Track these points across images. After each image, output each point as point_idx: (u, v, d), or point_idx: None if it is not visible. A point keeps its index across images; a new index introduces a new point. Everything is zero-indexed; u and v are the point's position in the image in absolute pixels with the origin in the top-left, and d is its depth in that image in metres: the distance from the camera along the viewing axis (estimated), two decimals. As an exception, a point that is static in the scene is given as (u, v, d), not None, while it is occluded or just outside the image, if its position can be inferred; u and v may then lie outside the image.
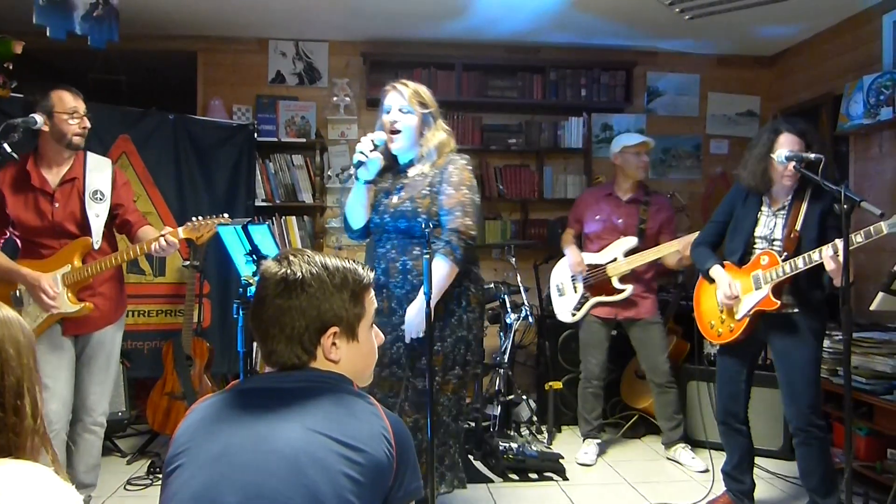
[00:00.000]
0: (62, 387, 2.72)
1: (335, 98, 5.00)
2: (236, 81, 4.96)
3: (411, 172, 2.61)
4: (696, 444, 4.04)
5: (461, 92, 4.87)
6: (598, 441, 3.97)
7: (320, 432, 1.15)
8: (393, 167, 2.66)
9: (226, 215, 2.71)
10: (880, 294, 2.70)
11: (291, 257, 1.31)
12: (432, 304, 2.29)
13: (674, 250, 3.73)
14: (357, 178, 2.53)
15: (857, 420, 3.40)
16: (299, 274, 1.27)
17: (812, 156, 2.68)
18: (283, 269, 1.28)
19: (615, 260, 3.84)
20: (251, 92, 4.96)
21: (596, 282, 3.88)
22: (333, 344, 1.29)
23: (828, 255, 2.51)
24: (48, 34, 3.27)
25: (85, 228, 2.78)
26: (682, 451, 3.85)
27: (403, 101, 2.55)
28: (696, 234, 3.63)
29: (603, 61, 5.08)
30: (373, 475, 1.16)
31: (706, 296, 3.07)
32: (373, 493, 1.16)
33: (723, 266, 2.96)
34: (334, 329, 1.29)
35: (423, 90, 2.60)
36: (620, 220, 3.90)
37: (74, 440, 2.81)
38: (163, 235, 2.64)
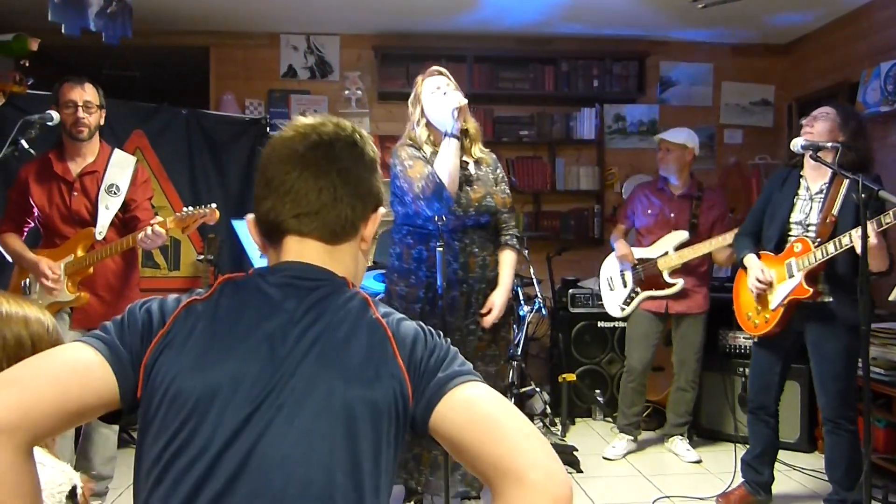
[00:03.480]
0: None
1: (347, 91, 5.00)
2: (248, 76, 4.97)
3: (469, 161, 2.64)
4: (712, 436, 4.03)
5: (472, 84, 4.85)
6: (631, 438, 3.89)
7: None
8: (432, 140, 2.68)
9: (213, 205, 2.74)
10: (899, 285, 2.67)
11: (331, 117, 1.16)
12: (508, 294, 2.61)
13: (727, 244, 3.57)
14: (452, 134, 2.51)
15: (875, 412, 3.37)
16: (364, 133, 1.14)
17: (829, 143, 2.64)
18: (343, 124, 1.12)
19: (666, 254, 3.78)
20: (263, 86, 4.97)
21: (646, 276, 3.82)
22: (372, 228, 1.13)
23: (859, 238, 2.38)
24: (63, 31, 3.30)
25: (94, 219, 2.85)
26: (678, 442, 3.85)
27: (449, 80, 2.63)
28: None
29: (615, 51, 5.05)
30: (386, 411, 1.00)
31: (744, 287, 3.02)
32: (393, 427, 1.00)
33: (758, 255, 2.93)
34: (381, 209, 1.14)
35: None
36: (673, 214, 3.84)
37: (89, 434, 2.85)
38: (150, 225, 2.67)
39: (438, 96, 2.58)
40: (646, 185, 4.07)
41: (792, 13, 4.55)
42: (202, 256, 4.05)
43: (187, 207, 2.75)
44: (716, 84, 5.24)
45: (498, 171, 2.75)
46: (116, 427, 2.94)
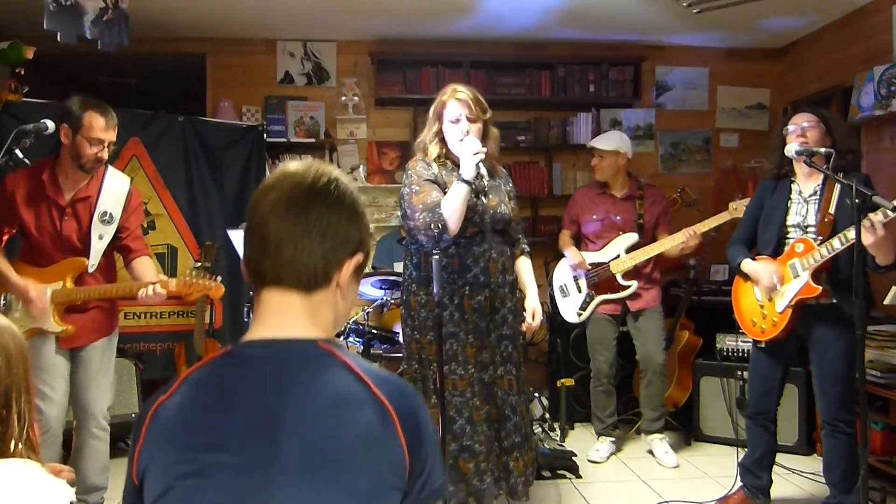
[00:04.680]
0: (60, 394, 2.73)
1: (344, 98, 5.01)
2: (245, 82, 4.98)
3: (485, 174, 2.62)
4: (709, 440, 4.04)
5: (469, 89, 4.86)
6: (612, 439, 3.96)
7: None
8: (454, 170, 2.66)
9: (218, 279, 2.73)
10: (894, 288, 2.69)
11: (316, 163, 1.13)
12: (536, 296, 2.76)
13: (678, 243, 3.70)
14: (465, 180, 2.48)
15: (872, 414, 3.38)
16: (343, 181, 1.11)
17: (822, 150, 2.67)
18: (321, 172, 1.10)
19: (618, 257, 3.83)
20: (260, 93, 4.97)
21: (600, 280, 3.87)
22: (351, 273, 1.11)
23: (864, 230, 2.40)
24: (59, 39, 3.29)
25: (87, 249, 2.77)
26: (658, 443, 3.87)
27: (470, 111, 2.57)
28: (701, 223, 3.65)
29: (611, 56, 5.07)
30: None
31: (744, 294, 3.02)
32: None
33: (753, 259, 2.94)
34: (360, 256, 1.11)
35: (479, 95, 2.63)
36: (619, 218, 3.90)
37: (81, 446, 2.83)
38: (153, 284, 2.65)
39: (457, 132, 2.56)
40: (588, 190, 4.11)
41: (786, 18, 4.57)
42: (199, 264, 4.03)
43: (194, 272, 2.72)
44: (711, 88, 5.26)
45: (510, 184, 2.81)
46: (107, 437, 2.91)
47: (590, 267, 3.89)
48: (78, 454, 2.83)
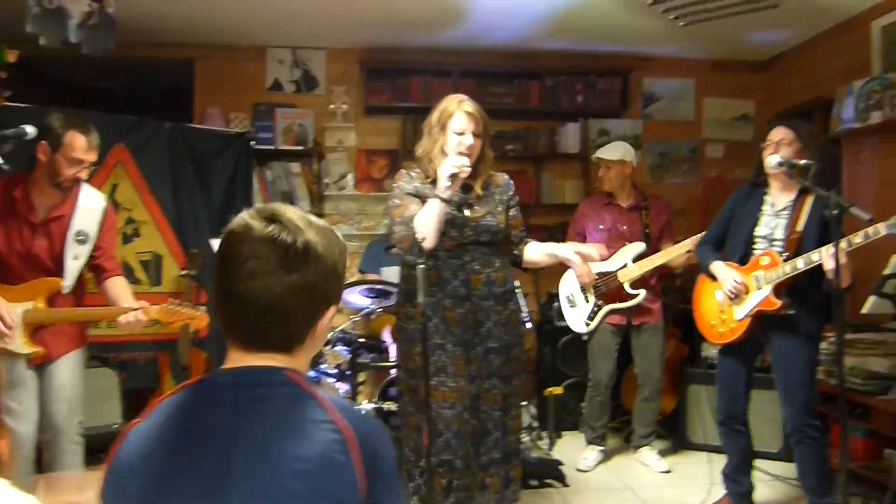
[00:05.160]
0: (30, 410, 2.65)
1: (333, 105, 5.01)
2: (233, 89, 4.95)
3: (477, 187, 2.61)
4: (696, 448, 4.06)
5: (458, 99, 4.87)
6: (602, 448, 3.97)
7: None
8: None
9: (202, 308, 2.68)
10: (872, 297, 2.73)
11: (280, 216, 1.06)
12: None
13: (685, 251, 3.68)
14: (439, 196, 2.44)
15: (853, 421, 3.42)
16: (306, 239, 1.05)
17: (802, 162, 2.71)
18: (282, 234, 1.04)
19: (625, 266, 3.83)
20: (248, 100, 4.96)
21: (608, 289, 3.85)
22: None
23: (828, 255, 2.51)
24: (42, 43, 3.26)
25: (59, 268, 2.67)
26: (647, 453, 3.90)
27: (476, 126, 2.53)
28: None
29: (599, 67, 5.11)
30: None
31: (706, 295, 3.07)
32: None
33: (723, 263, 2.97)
34: (333, 309, 1.10)
35: (481, 110, 2.58)
36: (625, 228, 3.91)
37: (52, 462, 2.75)
38: (135, 310, 2.59)
39: (457, 145, 2.52)
40: (593, 202, 4.13)
41: (770, 31, 4.64)
42: (185, 272, 4.01)
43: (176, 302, 2.65)
44: (697, 99, 5.32)
45: (510, 192, 2.72)
46: (80, 450, 2.83)
47: (597, 277, 3.88)
48: (50, 470, 2.74)
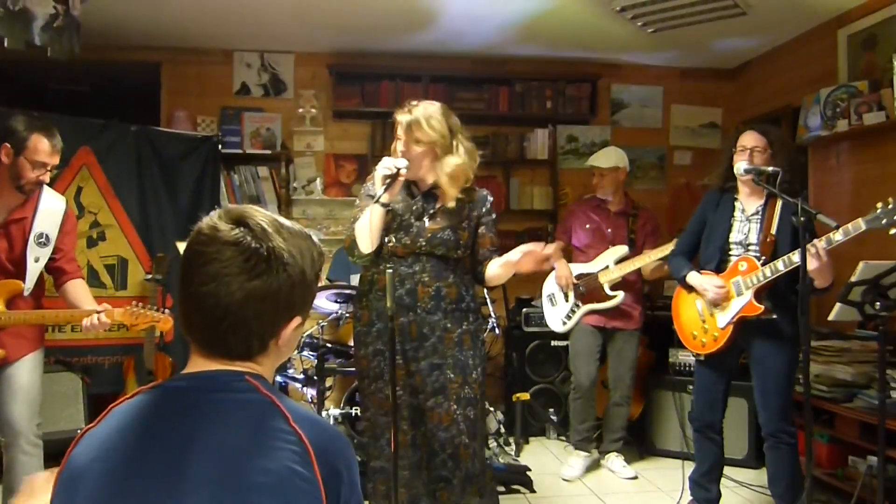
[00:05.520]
0: None
1: (301, 110, 4.97)
2: (201, 93, 4.91)
3: (448, 198, 2.50)
4: (662, 454, 4.07)
5: (428, 104, 4.87)
6: (587, 454, 3.93)
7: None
8: (410, 188, 2.55)
9: (167, 311, 2.67)
10: (838, 305, 2.75)
11: (249, 219, 1.03)
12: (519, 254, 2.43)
13: (668, 252, 3.69)
14: (378, 201, 2.38)
15: (818, 427, 3.45)
16: (272, 245, 1.02)
17: (769, 169, 2.73)
18: (247, 238, 1.01)
19: (607, 268, 3.85)
20: (216, 103, 4.91)
21: (587, 290, 3.87)
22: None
23: (810, 253, 2.48)
24: (6, 45, 3.20)
25: (20, 271, 2.67)
26: (614, 459, 3.91)
27: (410, 132, 2.45)
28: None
29: (568, 73, 5.14)
30: None
31: (685, 306, 3.06)
32: None
33: (698, 272, 2.98)
34: (298, 319, 1.08)
35: (433, 117, 2.45)
36: (610, 230, 3.93)
37: (12, 464, 2.71)
38: (98, 313, 2.57)
39: (395, 147, 2.50)
40: (584, 203, 4.15)
41: (738, 39, 4.69)
42: (150, 276, 3.95)
43: (140, 305, 2.64)
44: (665, 106, 5.36)
45: (483, 209, 2.57)
46: (40, 453, 2.77)
47: (574, 280, 3.89)
48: (9, 472, 2.71)
